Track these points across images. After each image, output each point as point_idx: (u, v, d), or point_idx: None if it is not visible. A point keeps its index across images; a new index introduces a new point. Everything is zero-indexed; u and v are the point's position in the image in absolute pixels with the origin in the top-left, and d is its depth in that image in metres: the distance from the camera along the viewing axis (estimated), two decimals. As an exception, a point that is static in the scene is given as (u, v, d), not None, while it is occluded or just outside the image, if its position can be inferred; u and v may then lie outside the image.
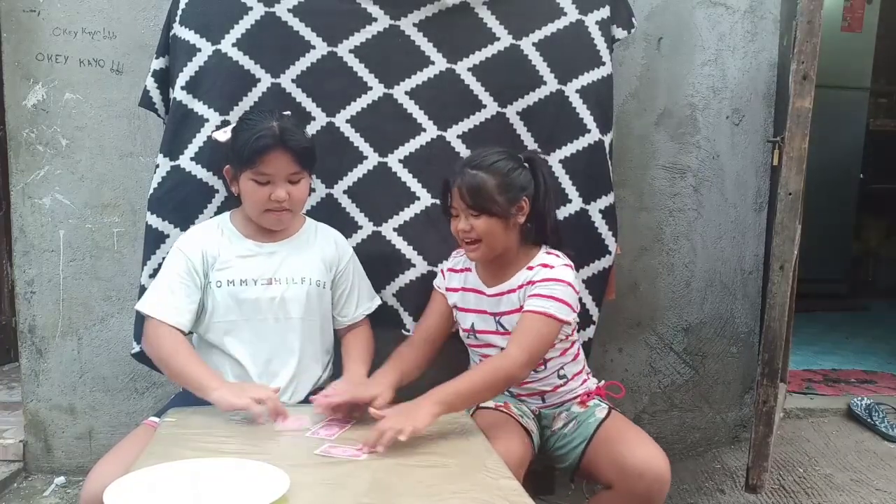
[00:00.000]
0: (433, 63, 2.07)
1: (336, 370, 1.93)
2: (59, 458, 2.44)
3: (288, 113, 1.85)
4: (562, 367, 1.86)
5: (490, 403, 1.83)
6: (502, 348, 1.81)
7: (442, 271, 1.95)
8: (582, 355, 1.94)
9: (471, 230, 1.73)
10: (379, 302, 2.00)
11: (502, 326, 1.81)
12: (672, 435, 2.63)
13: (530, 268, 1.78)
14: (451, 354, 2.13)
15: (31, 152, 2.30)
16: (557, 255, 1.80)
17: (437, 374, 2.16)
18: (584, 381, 1.92)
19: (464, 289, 1.88)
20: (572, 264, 1.80)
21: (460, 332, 1.91)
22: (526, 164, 1.78)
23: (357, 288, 1.94)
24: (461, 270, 1.91)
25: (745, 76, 2.49)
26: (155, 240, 2.01)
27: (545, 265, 1.76)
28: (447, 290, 1.91)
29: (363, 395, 1.61)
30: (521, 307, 1.75)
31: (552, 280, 1.72)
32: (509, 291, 1.79)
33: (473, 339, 1.87)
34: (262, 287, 1.78)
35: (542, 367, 1.84)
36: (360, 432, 1.51)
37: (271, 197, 1.72)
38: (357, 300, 1.94)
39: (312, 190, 2.04)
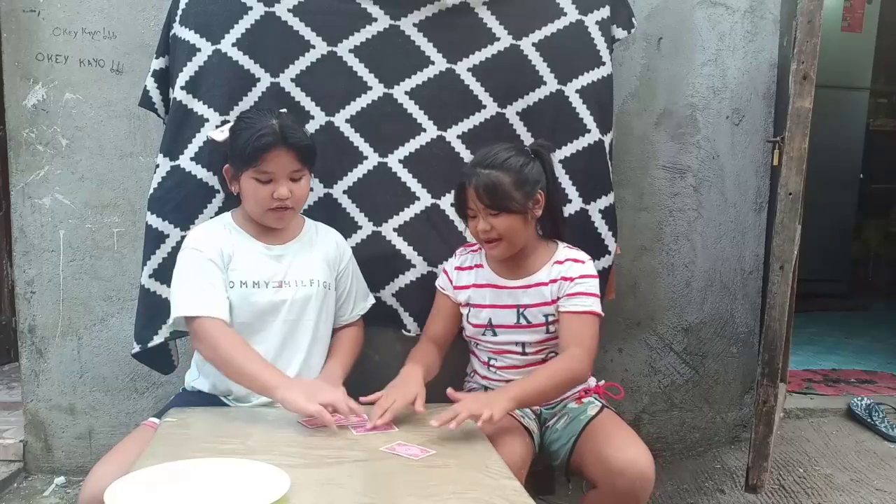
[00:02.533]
0: (433, 63, 2.07)
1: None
2: (59, 458, 2.44)
3: (285, 111, 1.85)
4: None
5: None
6: (521, 343, 1.83)
7: (445, 271, 1.95)
8: None
9: (491, 229, 1.74)
10: (373, 300, 2.00)
11: (525, 319, 1.82)
12: (672, 435, 2.63)
13: (559, 262, 1.82)
14: (452, 354, 2.13)
15: (31, 152, 2.30)
16: (578, 250, 1.86)
17: (437, 374, 2.16)
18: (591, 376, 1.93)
19: (476, 285, 1.87)
20: None
21: (468, 330, 1.90)
22: (535, 157, 1.79)
23: (355, 288, 1.95)
24: (472, 267, 1.90)
25: (745, 76, 2.49)
26: (155, 240, 2.01)
27: (575, 260, 1.82)
28: (456, 288, 1.90)
29: (409, 397, 1.59)
30: (553, 301, 1.79)
31: (588, 276, 1.80)
32: (538, 284, 1.81)
33: (490, 335, 1.86)
34: (272, 290, 1.78)
35: None
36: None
37: (274, 195, 1.71)
38: (354, 300, 1.94)
39: (311, 189, 2.05)
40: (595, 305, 1.78)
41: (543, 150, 1.82)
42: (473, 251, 1.93)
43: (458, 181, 1.79)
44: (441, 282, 1.95)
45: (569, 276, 1.79)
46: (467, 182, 1.75)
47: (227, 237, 1.80)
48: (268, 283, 1.78)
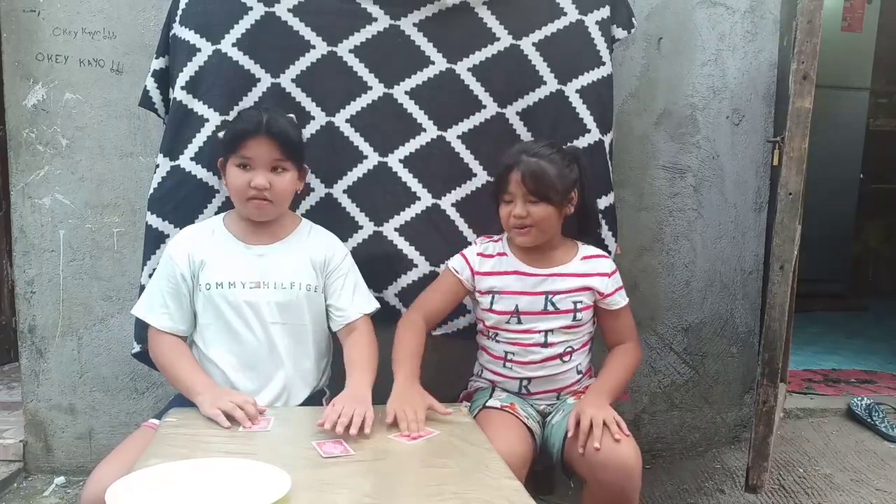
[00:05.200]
0: (433, 63, 2.07)
1: (335, 373, 1.92)
2: (59, 458, 2.44)
3: (292, 116, 1.85)
4: (579, 362, 1.91)
5: (496, 403, 1.83)
6: (544, 331, 1.86)
7: (465, 256, 1.92)
8: (590, 351, 2.00)
9: (527, 216, 1.78)
10: (377, 306, 1.93)
11: (553, 306, 1.85)
12: (672, 435, 2.63)
13: (587, 257, 1.90)
14: (452, 354, 2.14)
15: (31, 152, 2.30)
16: (593, 246, 1.94)
17: (438, 374, 2.16)
18: (591, 376, 1.96)
19: (501, 272, 1.88)
20: None
21: (490, 320, 1.88)
22: (574, 159, 1.86)
23: (353, 286, 1.87)
24: (494, 255, 1.91)
25: (745, 76, 2.49)
26: (155, 240, 2.01)
27: (601, 255, 1.93)
28: (477, 274, 1.89)
29: (424, 410, 1.61)
30: (580, 289, 1.85)
31: (616, 270, 1.92)
32: (570, 274, 1.87)
33: (514, 323, 1.86)
34: (249, 290, 1.76)
35: (569, 356, 1.88)
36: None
37: (251, 184, 1.71)
38: (352, 299, 1.86)
39: (311, 189, 2.05)
40: (626, 296, 1.92)
41: (580, 154, 1.91)
42: (494, 241, 1.94)
43: (502, 165, 1.83)
44: (456, 264, 1.92)
45: (604, 272, 1.88)
46: (514, 166, 1.79)
47: (206, 240, 1.80)
48: (244, 283, 1.76)
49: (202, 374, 1.73)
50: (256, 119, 1.71)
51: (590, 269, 1.88)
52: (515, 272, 1.87)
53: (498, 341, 1.90)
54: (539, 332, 1.85)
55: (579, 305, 1.86)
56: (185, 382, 1.70)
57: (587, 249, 1.92)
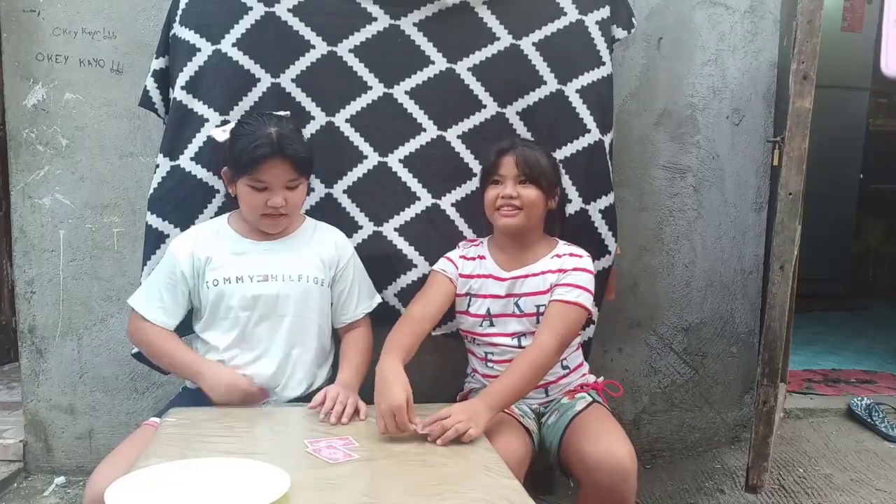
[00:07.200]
0: (433, 63, 2.07)
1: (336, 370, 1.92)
2: (59, 458, 2.44)
3: (287, 113, 1.85)
4: (565, 358, 1.89)
5: None
6: (516, 334, 1.85)
7: (450, 259, 1.94)
8: (581, 348, 1.99)
9: (516, 197, 1.79)
10: (379, 300, 2.00)
11: (518, 308, 1.84)
12: (672, 435, 2.63)
13: (558, 256, 1.85)
14: (452, 354, 2.13)
15: (31, 152, 2.30)
16: (577, 247, 1.89)
17: (438, 374, 2.17)
18: (584, 374, 1.96)
19: (480, 275, 1.89)
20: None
21: (465, 323, 1.90)
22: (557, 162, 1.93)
23: (357, 286, 1.93)
24: (474, 258, 1.92)
25: (745, 76, 2.49)
26: (155, 240, 2.01)
27: (574, 254, 1.86)
28: (461, 276, 1.91)
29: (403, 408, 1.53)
30: (545, 291, 1.81)
31: (581, 270, 1.82)
32: (533, 275, 1.84)
33: (487, 326, 1.87)
34: (257, 283, 1.78)
35: None
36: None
37: (268, 203, 1.73)
38: (357, 299, 1.93)
39: (312, 189, 2.05)
40: (581, 297, 1.78)
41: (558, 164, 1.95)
42: (475, 245, 1.95)
43: (493, 151, 1.86)
44: (443, 265, 1.93)
45: (563, 269, 1.83)
46: (508, 149, 1.83)
47: (210, 239, 1.82)
48: (252, 276, 1.79)
49: (200, 357, 1.80)
50: (269, 141, 1.70)
51: (553, 267, 1.83)
52: (490, 275, 1.88)
53: (478, 344, 1.91)
54: (510, 335, 1.85)
55: (542, 309, 1.82)
56: (187, 365, 1.77)
57: (563, 248, 1.88)
